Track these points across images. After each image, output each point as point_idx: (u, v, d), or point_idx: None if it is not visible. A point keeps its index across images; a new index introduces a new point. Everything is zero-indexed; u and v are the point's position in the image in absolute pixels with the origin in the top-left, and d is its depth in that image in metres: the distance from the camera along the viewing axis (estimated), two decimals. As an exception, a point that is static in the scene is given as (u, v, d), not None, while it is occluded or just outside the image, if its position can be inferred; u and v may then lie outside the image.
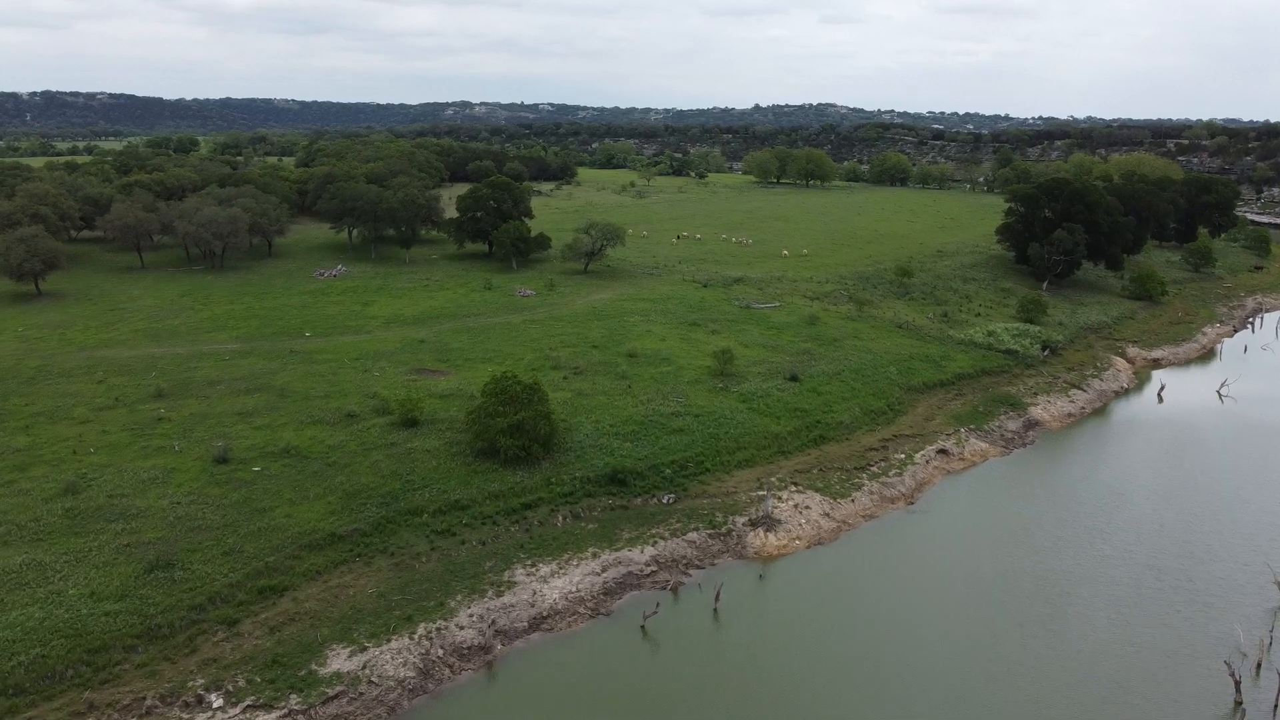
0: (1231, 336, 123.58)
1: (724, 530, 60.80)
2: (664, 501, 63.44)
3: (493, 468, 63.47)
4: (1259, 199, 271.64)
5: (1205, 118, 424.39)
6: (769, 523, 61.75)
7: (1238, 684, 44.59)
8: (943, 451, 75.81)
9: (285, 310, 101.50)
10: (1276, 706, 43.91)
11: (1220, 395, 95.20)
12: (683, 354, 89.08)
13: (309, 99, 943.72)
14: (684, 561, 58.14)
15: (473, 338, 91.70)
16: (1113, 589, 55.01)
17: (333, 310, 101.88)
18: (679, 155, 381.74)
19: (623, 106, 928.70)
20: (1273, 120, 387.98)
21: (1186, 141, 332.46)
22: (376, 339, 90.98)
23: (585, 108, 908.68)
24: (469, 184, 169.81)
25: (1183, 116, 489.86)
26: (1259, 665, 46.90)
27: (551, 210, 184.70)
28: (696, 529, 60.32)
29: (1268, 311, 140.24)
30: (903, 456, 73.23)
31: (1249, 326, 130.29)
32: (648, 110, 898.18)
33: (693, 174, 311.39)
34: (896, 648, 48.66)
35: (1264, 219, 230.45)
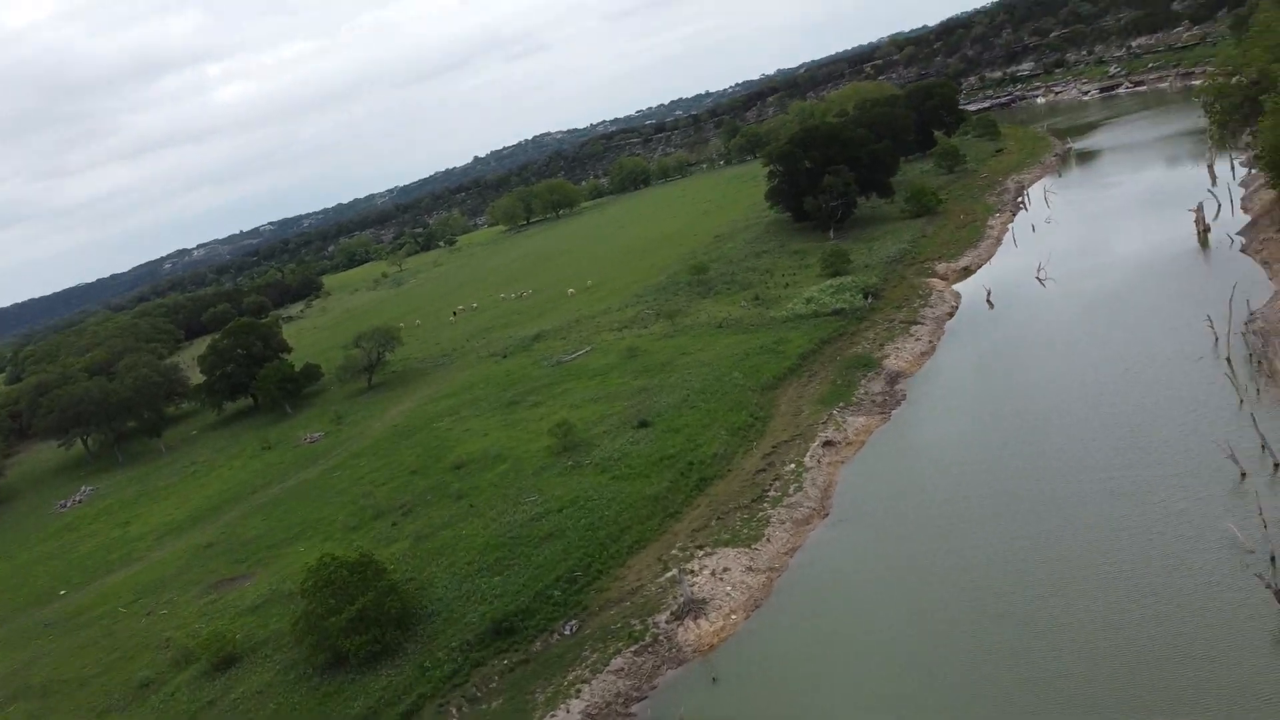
0: (1013, 220, 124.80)
1: (648, 639, 49.72)
2: (567, 633, 51.77)
3: (348, 681, 49.86)
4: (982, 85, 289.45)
5: (883, 36, 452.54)
6: (694, 608, 51.26)
7: (1277, 594, 38.22)
8: (828, 444, 68.08)
9: (25, 571, 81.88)
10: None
11: (1040, 280, 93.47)
12: (514, 444, 77.56)
13: (9, 303, 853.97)
14: (621, 700, 46.59)
15: (268, 517, 76.36)
16: (1086, 536, 48.12)
17: (88, 547, 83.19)
18: (420, 230, 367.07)
19: (345, 201, 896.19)
20: (930, 24, 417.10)
21: (881, 61, 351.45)
22: (152, 565, 73.91)
23: (309, 214, 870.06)
24: (211, 335, 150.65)
25: (859, 44, 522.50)
26: (1273, 558, 40.84)
27: (310, 333, 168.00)
28: (618, 651, 49.00)
29: (1029, 186, 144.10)
30: (793, 467, 64.83)
31: (1022, 206, 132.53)
32: (371, 196, 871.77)
33: (442, 243, 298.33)
34: (904, 683, 39.46)
35: (981, 106, 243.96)
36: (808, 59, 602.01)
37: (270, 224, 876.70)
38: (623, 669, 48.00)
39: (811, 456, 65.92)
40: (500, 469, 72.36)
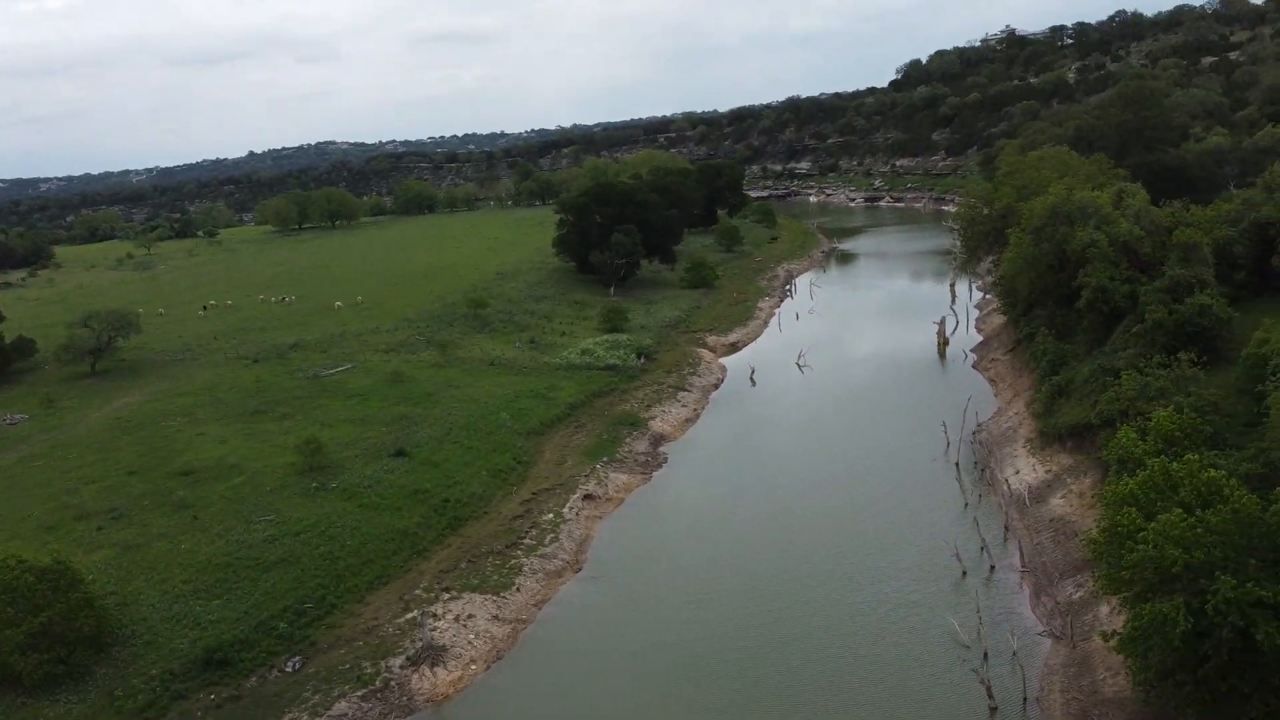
0: (780, 306, 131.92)
1: (379, 684, 46.51)
2: (289, 670, 47.54)
3: (16, 705, 43.21)
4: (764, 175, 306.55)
5: (678, 112, 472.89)
6: (433, 654, 48.59)
7: (989, 689, 41.24)
8: (589, 497, 67.77)
9: None
10: (1025, 700, 41.14)
11: (800, 366, 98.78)
12: (254, 456, 71.61)
13: None
14: (340, 749, 43.34)
15: (-59, 505, 65.85)
16: (824, 619, 50.05)
17: None
18: (177, 215, 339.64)
19: (95, 172, 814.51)
20: (722, 109, 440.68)
21: (674, 134, 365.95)
22: None
23: (49, 179, 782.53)
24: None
25: (653, 114, 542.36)
26: (985, 654, 44.15)
27: (29, 304, 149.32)
28: (343, 695, 45.41)
29: (797, 276, 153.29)
30: (551, 516, 63.82)
31: (789, 294, 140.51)
32: (127, 172, 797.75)
33: (201, 234, 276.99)
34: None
35: (761, 194, 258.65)
36: (605, 119, 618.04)
37: (2, 181, 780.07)
38: (346, 714, 44.56)
39: (571, 508, 65.25)
40: (235, 481, 66.41)
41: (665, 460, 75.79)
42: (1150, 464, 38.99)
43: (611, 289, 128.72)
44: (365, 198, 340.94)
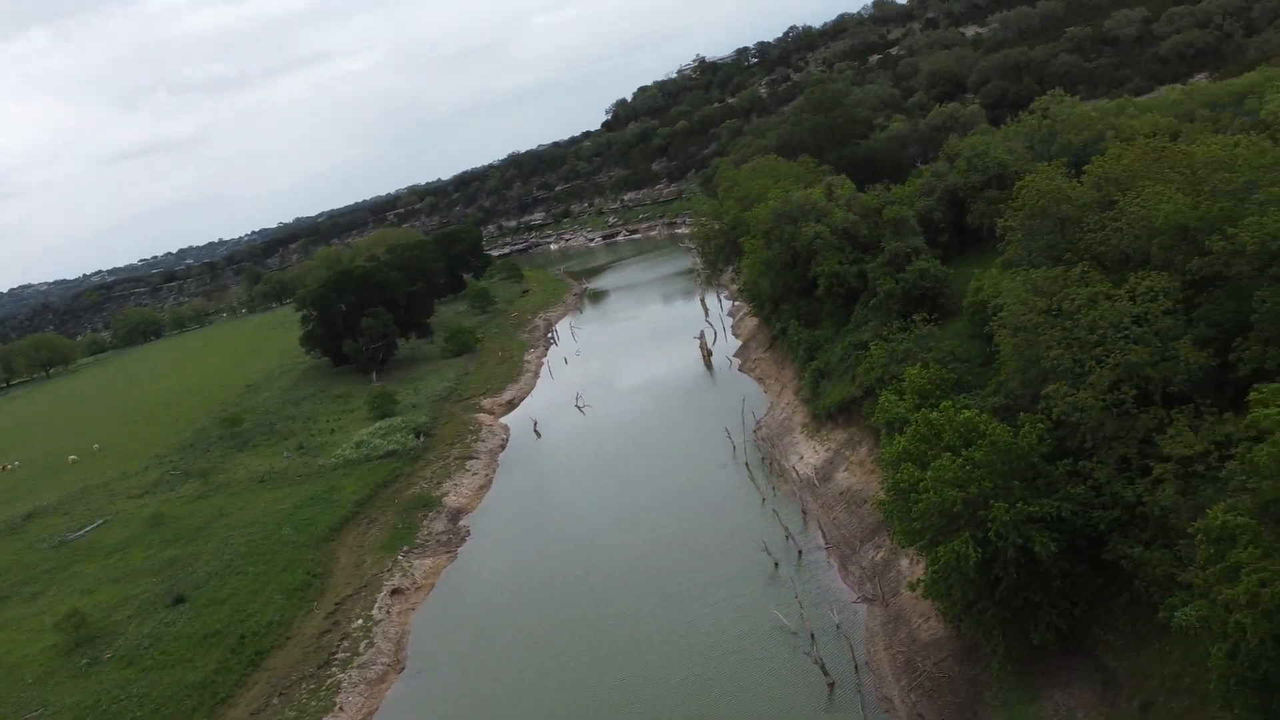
0: (547, 355, 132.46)
1: None
2: None
3: None
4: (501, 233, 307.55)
5: (403, 187, 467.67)
6: (261, 805, 44.47)
7: (822, 667, 42.66)
8: (397, 591, 64.59)
9: None
10: (856, 667, 42.86)
11: (580, 408, 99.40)
12: (5, 650, 63.14)
13: None
14: None
15: None
16: (660, 649, 50.10)
17: None
18: None
19: None
20: (446, 177, 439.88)
21: (403, 209, 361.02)
22: None
23: None
24: None
25: (377, 194, 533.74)
26: (812, 635, 45.68)
27: None
28: None
29: (556, 323, 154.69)
30: (361, 621, 60.23)
31: (552, 342, 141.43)
32: None
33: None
34: None
35: (503, 251, 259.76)
36: (327, 207, 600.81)
37: None
38: None
39: (380, 607, 61.90)
40: (-14, 683, 58.13)
41: (468, 533, 73.65)
42: (914, 419, 41.94)
43: (373, 375, 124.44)
44: (79, 337, 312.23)
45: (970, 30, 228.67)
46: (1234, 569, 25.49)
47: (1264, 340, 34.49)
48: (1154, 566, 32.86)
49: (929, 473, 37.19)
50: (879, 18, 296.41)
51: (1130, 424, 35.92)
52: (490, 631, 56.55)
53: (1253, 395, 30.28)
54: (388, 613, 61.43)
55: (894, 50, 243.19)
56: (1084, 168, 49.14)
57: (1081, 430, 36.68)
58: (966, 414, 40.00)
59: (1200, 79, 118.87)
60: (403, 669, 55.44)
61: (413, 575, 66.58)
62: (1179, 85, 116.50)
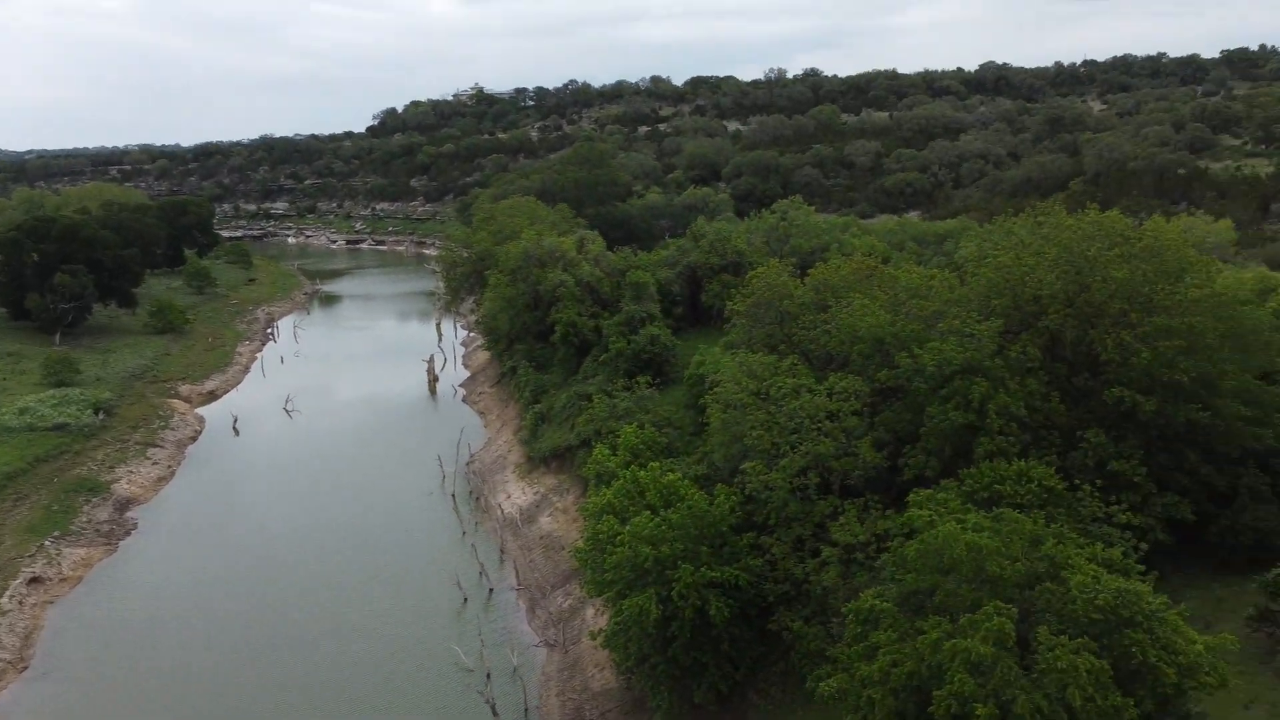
0: (262, 350, 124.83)
1: None
2: None
3: None
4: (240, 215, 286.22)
5: (134, 144, 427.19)
6: None
7: (493, 707, 42.75)
8: (36, 580, 57.60)
9: None
10: (526, 710, 43.36)
11: (289, 412, 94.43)
12: None
13: None
14: None
15: None
16: (328, 675, 47.99)
17: None
18: None
19: None
20: (186, 144, 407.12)
21: (130, 167, 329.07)
22: None
23: None
24: None
25: (103, 144, 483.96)
26: (488, 674, 45.76)
27: None
28: None
29: (279, 319, 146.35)
30: (-15, 609, 53.08)
31: (271, 338, 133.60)
32: None
33: None
34: None
35: (235, 234, 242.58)
36: (39, 146, 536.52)
37: None
38: None
39: (11, 596, 54.90)
40: None
41: (135, 526, 67.26)
42: (623, 475, 43.60)
43: (56, 337, 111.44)
44: None
45: (733, 125, 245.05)
46: (873, 649, 28.51)
47: (928, 451, 39.23)
48: (809, 640, 36.06)
49: (628, 528, 38.74)
50: (655, 93, 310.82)
51: (810, 508, 39.44)
52: (137, 638, 51.57)
53: (911, 497, 34.37)
54: (20, 604, 54.60)
55: (663, 126, 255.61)
56: (808, 270, 53.93)
57: (768, 508, 39.78)
58: (671, 477, 42.16)
59: (913, 215, 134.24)
60: (25, 668, 49.32)
61: (59, 565, 59.73)
62: (896, 216, 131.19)
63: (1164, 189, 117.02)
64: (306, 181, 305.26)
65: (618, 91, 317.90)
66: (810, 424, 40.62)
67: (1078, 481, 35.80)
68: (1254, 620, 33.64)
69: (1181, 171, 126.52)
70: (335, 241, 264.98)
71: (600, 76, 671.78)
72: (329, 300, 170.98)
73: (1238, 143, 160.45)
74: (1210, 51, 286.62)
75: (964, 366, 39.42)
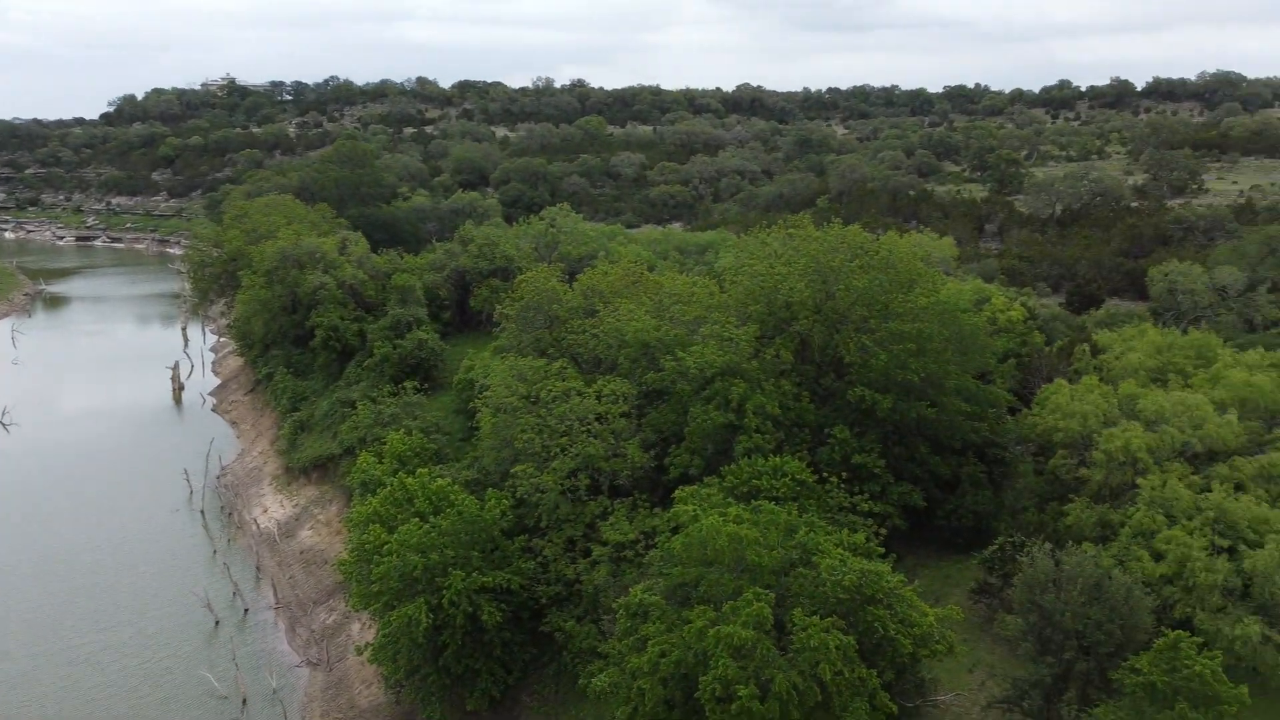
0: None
1: None
2: None
3: None
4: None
5: None
6: None
7: (250, 733, 40.38)
8: None
9: None
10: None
11: (4, 425, 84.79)
12: None
13: None
14: None
15: None
16: (52, 713, 43.45)
17: None
18: None
19: None
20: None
21: None
22: None
23: None
24: None
25: None
26: (244, 699, 43.21)
27: None
28: None
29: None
30: None
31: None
32: None
33: None
34: None
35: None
36: None
37: None
38: None
39: None
40: None
41: None
42: (389, 482, 42.43)
43: None
44: None
45: (501, 131, 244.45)
46: (642, 641, 29.40)
47: (692, 450, 40.92)
48: (582, 639, 36.63)
49: (396, 536, 37.77)
50: (421, 95, 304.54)
51: (581, 509, 40.09)
52: None
53: (677, 494, 35.76)
54: None
55: (429, 129, 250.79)
56: (577, 276, 54.81)
57: (540, 510, 40.06)
58: (441, 483, 41.52)
59: (677, 225, 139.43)
60: None
61: None
62: (660, 226, 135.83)
63: (898, 208, 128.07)
64: (28, 171, 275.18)
65: (382, 91, 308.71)
66: (580, 426, 41.30)
67: (826, 474, 38.68)
68: (975, 593, 37.58)
69: (912, 193, 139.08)
70: (63, 237, 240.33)
71: (363, 74, 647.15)
72: (55, 302, 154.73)
73: (958, 169, 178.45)
74: (935, 87, 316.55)
75: (724, 369, 41.46)
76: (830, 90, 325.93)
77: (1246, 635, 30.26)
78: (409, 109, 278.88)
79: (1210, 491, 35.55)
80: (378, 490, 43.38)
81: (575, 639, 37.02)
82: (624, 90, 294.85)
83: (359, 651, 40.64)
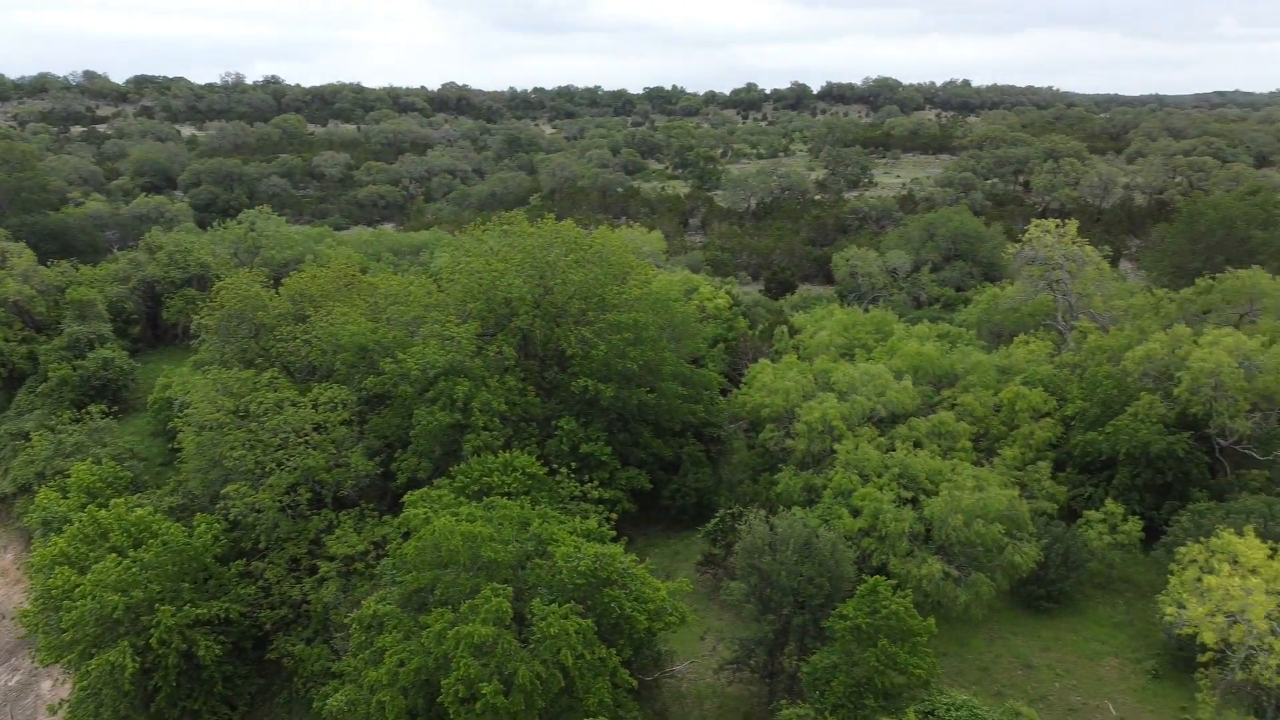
0: None
1: None
2: None
3: None
4: None
5: None
6: None
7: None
8: None
9: None
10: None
11: None
12: None
13: None
14: None
15: None
16: None
17: None
18: None
19: None
20: None
21: None
22: None
23: None
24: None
25: None
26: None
27: None
28: None
29: None
30: None
31: None
32: None
33: None
34: None
35: None
36: None
37: None
38: None
39: None
40: None
41: None
42: (77, 518, 38.05)
43: None
44: None
45: (187, 130, 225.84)
46: (379, 653, 28.41)
47: (419, 453, 40.03)
48: (313, 661, 34.78)
49: (89, 576, 33.96)
50: (90, 90, 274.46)
51: (303, 525, 38.05)
52: None
53: (406, 499, 34.86)
54: None
55: (102, 127, 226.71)
56: (283, 281, 51.80)
57: (257, 531, 37.57)
58: (140, 513, 37.83)
59: (389, 227, 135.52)
60: None
61: None
62: (371, 228, 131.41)
63: (607, 204, 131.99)
64: None
65: (42, 85, 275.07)
66: (297, 438, 39.17)
67: (556, 466, 39.30)
68: (701, 564, 39.67)
69: (620, 190, 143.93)
70: None
71: (17, 68, 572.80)
72: None
73: (661, 167, 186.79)
74: (636, 88, 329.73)
75: (447, 368, 40.88)
76: (536, 90, 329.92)
77: (930, 574, 34.14)
78: (75, 106, 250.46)
79: (894, 450, 39.77)
80: (64, 528, 38.71)
81: (306, 662, 35.13)
82: (324, 88, 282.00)
83: (52, 711, 36.18)
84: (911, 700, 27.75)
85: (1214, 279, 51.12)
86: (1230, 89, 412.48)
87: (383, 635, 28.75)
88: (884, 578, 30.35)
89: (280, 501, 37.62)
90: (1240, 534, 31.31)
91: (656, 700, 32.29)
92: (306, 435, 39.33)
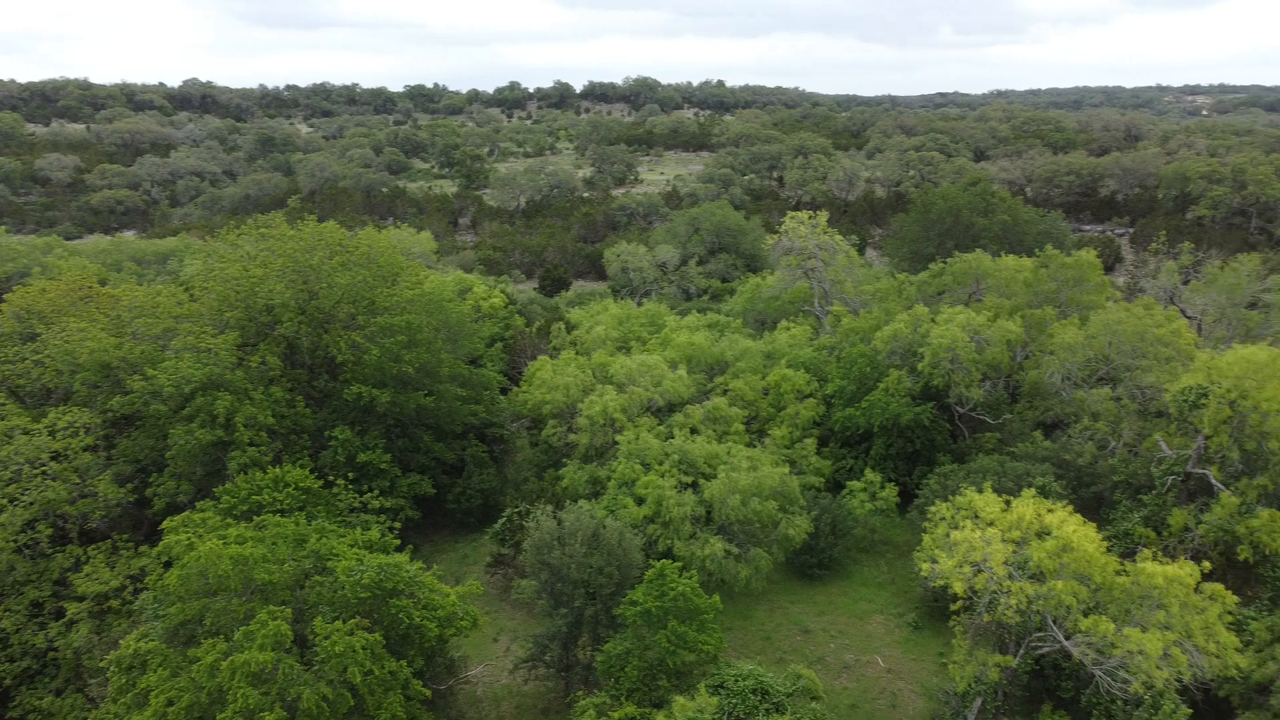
0: None
1: None
2: None
3: None
4: None
5: None
6: None
7: None
8: None
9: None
10: None
11: None
12: None
13: None
14: None
15: None
16: None
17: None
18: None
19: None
20: None
21: None
22: None
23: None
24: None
25: None
26: None
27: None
28: None
29: None
30: None
31: None
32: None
33: None
34: None
35: None
36: None
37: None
38: None
39: None
40: None
41: None
42: None
43: None
44: None
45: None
46: (144, 694, 26.12)
47: (177, 475, 37.16)
48: (65, 714, 31.54)
49: None
50: None
51: (45, 565, 34.37)
52: None
53: (165, 525, 32.24)
54: None
55: None
56: (6, 297, 46.54)
57: (-11, 576, 33.57)
58: None
59: (129, 234, 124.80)
60: None
61: None
62: (108, 235, 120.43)
63: (372, 205, 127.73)
64: None
65: None
66: (32, 469, 35.30)
67: (332, 478, 37.62)
68: (491, 566, 39.26)
69: (385, 190, 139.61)
70: None
71: None
72: None
73: (427, 166, 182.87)
74: (396, 86, 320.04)
75: (205, 383, 38.21)
76: (289, 88, 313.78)
77: (713, 553, 35.49)
78: None
79: (673, 438, 40.99)
80: None
81: (57, 716, 31.82)
82: (44, 83, 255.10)
83: None
84: (702, 676, 28.72)
85: (945, 262, 56.20)
86: (950, 90, 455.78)
87: (146, 675, 26.44)
88: (670, 561, 31.21)
89: (15, 541, 33.78)
90: (980, 491, 34.62)
91: (452, 708, 31.66)
92: (44, 465, 35.52)
